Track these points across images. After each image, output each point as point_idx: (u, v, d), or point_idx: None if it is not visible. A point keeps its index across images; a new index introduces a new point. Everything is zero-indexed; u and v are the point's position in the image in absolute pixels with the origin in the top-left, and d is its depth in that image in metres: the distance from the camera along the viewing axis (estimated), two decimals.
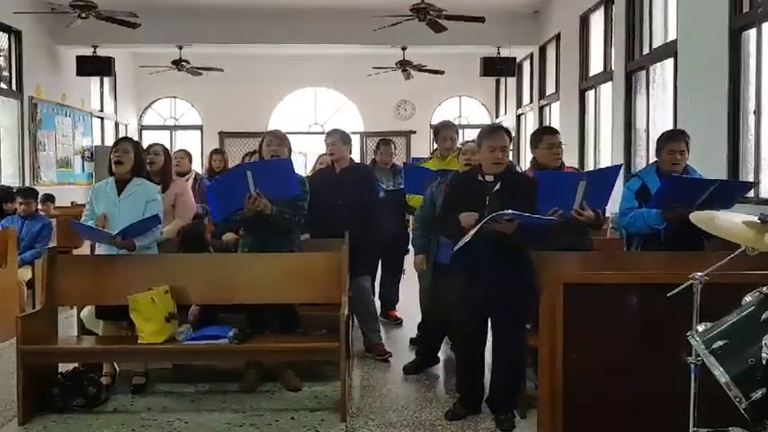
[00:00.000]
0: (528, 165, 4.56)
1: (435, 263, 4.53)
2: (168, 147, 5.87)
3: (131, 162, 4.21)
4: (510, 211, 3.38)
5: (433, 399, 4.15)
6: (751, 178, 5.35)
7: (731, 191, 3.98)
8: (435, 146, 5.83)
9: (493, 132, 3.71)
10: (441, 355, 4.84)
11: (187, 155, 6.46)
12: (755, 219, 2.48)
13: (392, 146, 6.18)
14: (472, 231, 3.42)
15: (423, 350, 4.83)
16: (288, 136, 4.48)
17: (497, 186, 3.62)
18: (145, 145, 4.94)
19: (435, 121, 15.06)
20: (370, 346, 5.04)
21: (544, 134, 4.15)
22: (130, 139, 4.53)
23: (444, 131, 5.55)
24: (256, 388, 4.26)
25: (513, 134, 13.61)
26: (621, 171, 4.75)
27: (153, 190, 4.29)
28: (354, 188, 4.91)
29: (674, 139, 3.99)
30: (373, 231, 4.93)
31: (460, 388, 3.93)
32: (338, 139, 5.02)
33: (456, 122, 15.34)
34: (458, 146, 5.38)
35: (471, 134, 13.71)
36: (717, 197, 3.71)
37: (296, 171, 4.33)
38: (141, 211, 4.11)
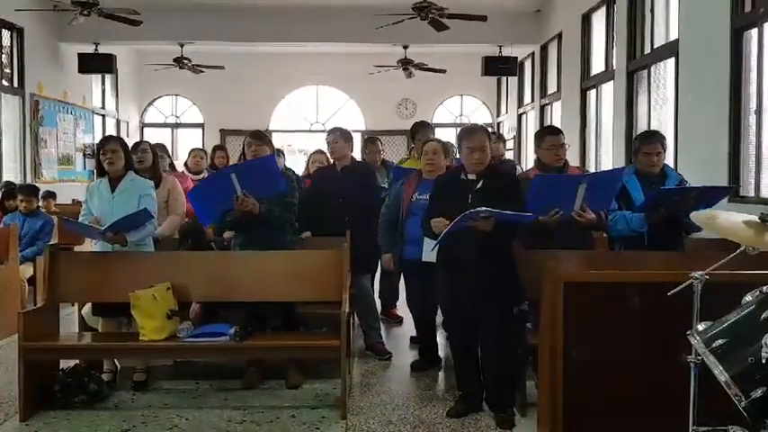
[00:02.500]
0: (530, 164, 4.58)
1: (402, 259, 4.60)
2: (170, 144, 5.92)
3: (122, 160, 4.24)
4: (484, 208, 3.41)
5: (434, 397, 4.16)
6: (752, 177, 5.36)
7: (714, 193, 4.04)
8: (412, 146, 5.90)
9: (470, 133, 3.75)
10: (441, 353, 4.85)
11: (206, 154, 6.54)
12: (755, 218, 2.49)
13: (378, 143, 6.25)
14: (446, 229, 3.46)
15: (423, 349, 4.85)
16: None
17: (479, 185, 3.68)
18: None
19: (437, 120, 15.15)
20: (370, 344, 5.05)
21: (547, 134, 4.17)
22: (114, 137, 4.57)
23: (421, 132, 5.62)
24: (258, 385, 4.28)
25: (515, 133, 13.64)
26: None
27: (146, 185, 4.31)
28: (356, 186, 4.92)
29: (647, 142, 4.07)
30: (374, 229, 4.94)
31: (460, 386, 3.94)
32: (339, 137, 5.04)
33: (457, 121, 15.49)
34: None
35: None
36: (700, 201, 3.80)
37: (278, 167, 4.38)
38: (135, 207, 4.12)
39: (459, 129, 14.93)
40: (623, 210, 4.00)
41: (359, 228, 4.69)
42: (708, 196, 3.90)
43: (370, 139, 6.37)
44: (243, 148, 4.48)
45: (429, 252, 4.00)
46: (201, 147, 6.98)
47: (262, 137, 4.48)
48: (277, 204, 4.23)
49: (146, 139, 6.38)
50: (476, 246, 3.54)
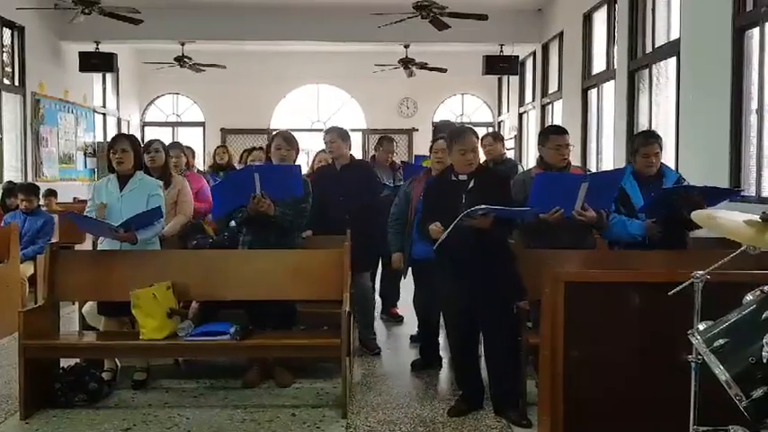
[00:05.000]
0: (531, 163, 4.58)
1: (411, 258, 4.59)
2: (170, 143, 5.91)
3: (132, 160, 4.23)
4: (483, 206, 3.43)
5: (435, 395, 4.16)
6: (753, 177, 5.35)
7: (718, 194, 4.02)
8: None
9: (462, 135, 3.76)
10: (443, 352, 4.85)
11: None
12: (756, 217, 2.48)
13: (393, 143, 6.26)
14: (447, 231, 3.47)
15: (424, 348, 4.85)
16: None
17: (471, 184, 3.70)
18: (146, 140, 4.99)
19: (438, 119, 15.15)
20: (362, 339, 5.11)
21: (552, 134, 4.14)
22: (126, 135, 4.56)
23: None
24: (258, 384, 4.27)
25: (515, 132, 13.64)
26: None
27: (154, 184, 4.31)
28: (355, 185, 4.93)
29: (646, 143, 4.05)
30: (374, 228, 4.95)
31: (461, 385, 3.94)
32: (337, 136, 5.05)
33: (458, 120, 15.49)
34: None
35: None
36: (705, 199, 3.78)
37: (302, 175, 4.37)
38: (144, 206, 4.13)
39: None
40: (621, 213, 3.98)
41: (359, 226, 4.69)
42: (712, 196, 3.88)
43: (387, 137, 6.40)
44: (268, 146, 4.46)
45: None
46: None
47: (291, 140, 4.42)
48: (291, 208, 4.24)
49: (150, 138, 6.38)
50: (473, 244, 3.55)
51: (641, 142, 4.08)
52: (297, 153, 4.43)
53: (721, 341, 2.25)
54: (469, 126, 4.03)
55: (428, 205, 3.86)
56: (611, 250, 4.21)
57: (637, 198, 3.98)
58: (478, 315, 3.71)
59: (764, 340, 2.14)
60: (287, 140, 4.40)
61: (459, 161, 3.74)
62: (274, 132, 4.50)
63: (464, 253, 3.59)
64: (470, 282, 3.62)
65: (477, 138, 3.84)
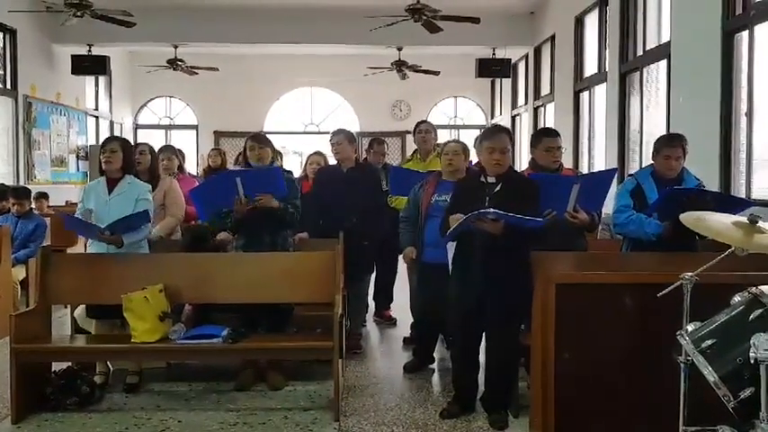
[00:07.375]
0: (524, 165, 4.58)
1: (421, 262, 4.57)
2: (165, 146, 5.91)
3: (120, 161, 4.22)
4: (492, 210, 3.39)
5: (427, 398, 4.17)
6: (743, 179, 5.38)
7: (732, 202, 3.97)
8: (416, 147, 5.90)
9: (492, 133, 3.73)
10: (435, 354, 4.86)
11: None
12: (745, 219, 2.51)
13: (385, 145, 6.25)
14: (455, 224, 3.47)
15: (419, 350, 4.85)
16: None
17: (498, 188, 3.65)
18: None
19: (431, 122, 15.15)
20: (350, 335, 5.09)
21: (543, 136, 4.15)
22: (118, 137, 4.56)
23: (425, 134, 5.64)
24: (251, 386, 4.27)
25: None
26: (616, 175, 4.78)
27: (143, 188, 4.30)
28: (363, 188, 4.96)
29: (670, 145, 3.98)
30: (377, 231, 4.96)
31: (456, 386, 3.94)
32: (343, 138, 5.07)
33: (451, 123, 15.52)
34: (437, 146, 5.49)
35: (466, 135, 13.76)
36: (719, 207, 3.68)
37: (283, 173, 4.41)
38: (131, 209, 4.12)
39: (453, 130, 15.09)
40: (638, 210, 3.93)
41: (365, 228, 4.70)
42: (726, 204, 3.76)
43: (377, 140, 6.36)
44: (244, 151, 4.49)
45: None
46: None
47: (264, 140, 4.49)
48: (288, 204, 4.29)
49: (142, 140, 6.36)
50: (485, 247, 3.53)
51: (665, 144, 4.00)
52: (273, 150, 4.49)
53: (709, 342, 2.27)
54: (505, 127, 3.98)
55: (453, 205, 3.80)
56: (620, 252, 4.18)
57: (654, 198, 3.92)
58: (485, 318, 3.69)
59: (752, 341, 2.16)
60: (258, 140, 4.45)
61: (486, 160, 3.69)
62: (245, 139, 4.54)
63: (476, 254, 3.58)
64: (479, 284, 3.60)
65: (511, 139, 3.74)
